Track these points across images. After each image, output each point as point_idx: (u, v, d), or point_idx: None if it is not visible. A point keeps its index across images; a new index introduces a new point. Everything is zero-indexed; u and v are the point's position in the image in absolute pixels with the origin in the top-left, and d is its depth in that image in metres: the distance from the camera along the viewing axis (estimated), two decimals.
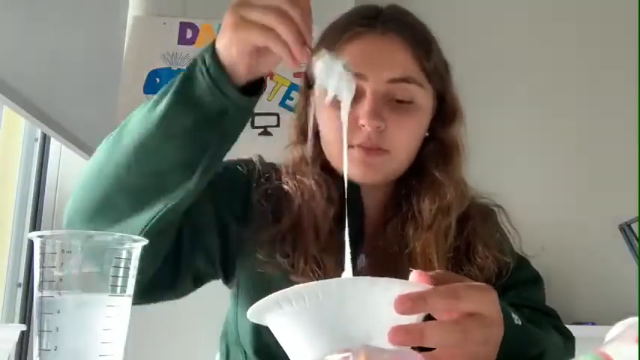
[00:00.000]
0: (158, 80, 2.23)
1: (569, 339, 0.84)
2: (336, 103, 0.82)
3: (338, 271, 0.82)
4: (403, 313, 0.49)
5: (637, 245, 1.94)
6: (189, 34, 2.28)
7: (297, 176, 0.88)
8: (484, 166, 2.26)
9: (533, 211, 2.27)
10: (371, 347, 0.43)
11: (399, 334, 0.48)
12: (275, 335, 0.53)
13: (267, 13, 0.63)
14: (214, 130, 0.69)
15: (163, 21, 2.28)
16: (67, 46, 1.75)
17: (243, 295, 0.87)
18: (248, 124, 2.50)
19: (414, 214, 0.86)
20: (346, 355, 0.40)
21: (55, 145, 2.11)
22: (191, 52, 2.25)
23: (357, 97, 0.81)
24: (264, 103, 2.23)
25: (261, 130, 2.21)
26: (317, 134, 0.88)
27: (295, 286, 0.49)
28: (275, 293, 0.50)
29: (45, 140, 2.12)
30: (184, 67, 0.72)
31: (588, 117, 2.42)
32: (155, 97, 0.70)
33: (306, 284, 0.49)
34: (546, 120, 2.42)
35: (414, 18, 0.90)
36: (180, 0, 2.30)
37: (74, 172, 2.14)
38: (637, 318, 0.39)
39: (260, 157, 0.95)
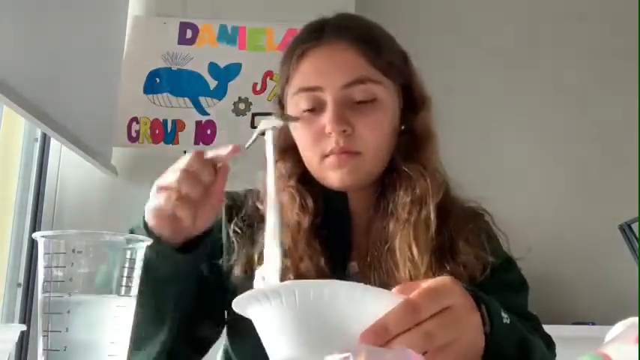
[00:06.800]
0: (158, 80, 2.23)
1: (550, 344, 0.84)
2: (305, 116, 0.87)
3: (317, 278, 0.83)
4: (371, 344, 0.49)
5: (637, 245, 1.94)
6: (189, 34, 2.28)
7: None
8: (485, 166, 2.27)
9: (534, 210, 2.27)
10: (371, 347, 0.43)
11: (368, 335, 0.49)
12: (256, 327, 0.53)
13: (172, 177, 0.71)
14: (169, 290, 0.75)
15: (163, 21, 2.28)
16: (67, 46, 1.75)
17: (233, 325, 0.89)
18: (247, 124, 2.47)
19: (392, 211, 0.87)
20: (346, 355, 0.40)
21: (55, 145, 2.11)
22: (191, 52, 2.25)
23: (320, 108, 0.85)
24: (264, 102, 2.23)
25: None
26: (295, 150, 0.91)
27: (288, 282, 0.50)
28: (264, 287, 0.51)
29: (45, 140, 2.12)
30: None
31: (589, 117, 2.42)
32: None
33: (300, 282, 0.50)
34: (547, 120, 2.42)
35: (360, 20, 0.93)
36: (180, 0, 2.30)
37: (74, 172, 2.14)
38: (637, 318, 0.39)
39: (227, 192, 0.94)
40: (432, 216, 0.84)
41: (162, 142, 2.19)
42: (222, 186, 0.75)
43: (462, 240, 0.86)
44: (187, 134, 2.20)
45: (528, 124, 2.41)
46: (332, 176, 0.86)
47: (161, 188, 0.72)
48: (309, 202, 0.87)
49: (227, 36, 2.29)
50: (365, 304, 0.49)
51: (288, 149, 0.92)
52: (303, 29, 0.93)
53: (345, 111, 0.84)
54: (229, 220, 0.91)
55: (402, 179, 0.87)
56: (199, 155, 0.72)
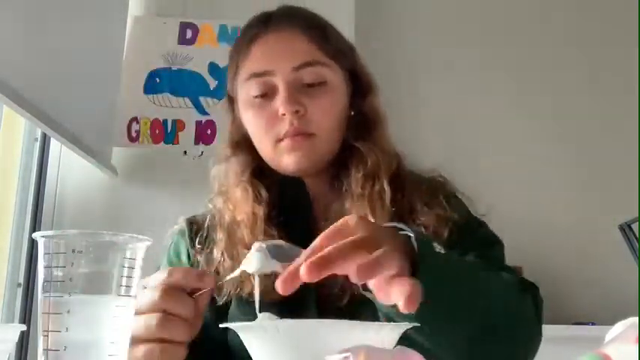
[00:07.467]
0: (158, 80, 2.23)
1: (529, 286, 0.81)
2: (257, 102, 0.87)
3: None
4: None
5: (637, 245, 1.94)
6: (189, 34, 2.28)
7: (224, 190, 0.91)
8: (484, 166, 2.27)
9: (534, 211, 2.27)
10: (371, 347, 0.43)
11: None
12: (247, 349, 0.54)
13: (149, 323, 0.62)
14: None
15: (163, 21, 2.28)
16: (67, 46, 1.75)
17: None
18: None
19: (346, 189, 0.88)
20: (346, 355, 0.40)
21: (55, 145, 2.11)
22: (191, 52, 2.25)
23: (272, 93, 0.87)
24: None
25: None
26: (248, 142, 0.92)
27: (277, 321, 0.52)
28: (254, 323, 0.52)
29: (45, 140, 2.12)
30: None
31: (588, 116, 2.42)
32: None
33: (285, 321, 0.51)
34: (546, 120, 2.42)
35: (305, 11, 0.95)
36: (180, 0, 2.30)
37: (74, 172, 2.14)
38: (637, 318, 0.39)
39: (184, 219, 0.97)
40: (386, 188, 0.86)
41: (162, 142, 2.19)
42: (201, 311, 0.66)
43: (421, 203, 0.88)
44: (187, 134, 2.20)
45: (527, 124, 2.42)
46: (287, 160, 0.87)
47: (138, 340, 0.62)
48: (263, 193, 0.88)
49: (227, 36, 2.28)
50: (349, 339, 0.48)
51: (241, 141, 0.93)
52: (249, 21, 0.95)
53: (296, 93, 0.86)
54: (191, 240, 0.92)
55: (354, 157, 0.89)
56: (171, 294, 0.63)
